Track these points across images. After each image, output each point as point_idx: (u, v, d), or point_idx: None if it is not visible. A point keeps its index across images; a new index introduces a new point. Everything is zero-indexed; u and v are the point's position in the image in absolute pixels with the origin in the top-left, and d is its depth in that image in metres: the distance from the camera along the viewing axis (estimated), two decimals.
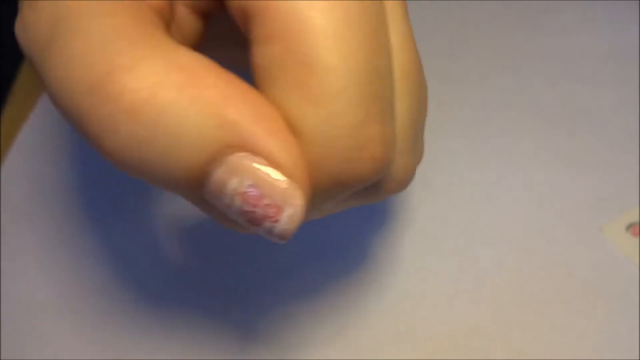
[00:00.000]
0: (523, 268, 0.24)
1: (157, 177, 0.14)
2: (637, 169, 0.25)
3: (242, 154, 0.13)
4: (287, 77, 0.14)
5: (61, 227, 0.26)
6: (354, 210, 0.25)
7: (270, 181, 0.13)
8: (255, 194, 0.13)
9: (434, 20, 0.29)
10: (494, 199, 0.25)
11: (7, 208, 0.26)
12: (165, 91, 0.13)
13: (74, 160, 0.27)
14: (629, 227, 0.24)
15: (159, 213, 0.26)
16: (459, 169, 0.26)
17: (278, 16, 0.13)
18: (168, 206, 0.26)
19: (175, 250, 0.25)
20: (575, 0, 0.29)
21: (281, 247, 0.25)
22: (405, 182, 0.17)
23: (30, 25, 0.16)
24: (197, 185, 0.13)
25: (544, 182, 0.25)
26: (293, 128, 0.14)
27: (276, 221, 0.14)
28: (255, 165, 0.13)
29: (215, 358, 0.23)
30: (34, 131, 0.28)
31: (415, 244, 0.25)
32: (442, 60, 0.28)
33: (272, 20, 0.13)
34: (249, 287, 0.24)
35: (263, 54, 0.14)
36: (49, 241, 0.25)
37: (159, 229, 0.25)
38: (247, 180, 0.13)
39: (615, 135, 0.26)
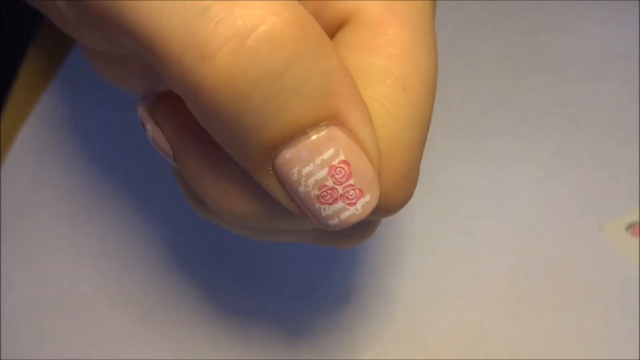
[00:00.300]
0: (523, 268, 0.24)
1: (249, 119, 0.13)
2: (637, 169, 0.25)
3: (345, 129, 0.13)
4: (383, 88, 0.14)
5: (61, 227, 0.26)
6: None
7: (364, 164, 0.13)
8: (345, 171, 0.13)
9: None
10: (494, 199, 0.25)
11: (7, 208, 0.26)
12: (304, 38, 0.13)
13: (74, 160, 0.27)
14: (629, 227, 0.24)
15: (159, 213, 0.26)
16: (459, 169, 0.26)
17: (391, 41, 0.15)
18: (168, 206, 0.26)
19: (175, 250, 0.25)
20: (575, 0, 0.29)
21: (283, 246, 0.25)
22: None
23: None
24: (281, 143, 0.13)
25: (544, 182, 0.25)
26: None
27: (351, 204, 0.14)
28: (354, 144, 0.13)
29: (216, 358, 0.23)
30: (34, 131, 0.28)
31: (415, 244, 0.25)
32: (442, 60, 0.28)
33: (383, 36, 0.15)
34: (250, 288, 0.24)
35: (363, 61, 0.15)
36: (49, 241, 0.25)
37: (159, 229, 0.25)
38: (343, 155, 0.13)
39: (615, 135, 0.26)
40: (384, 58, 0.15)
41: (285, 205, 0.14)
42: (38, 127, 0.28)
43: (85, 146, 0.27)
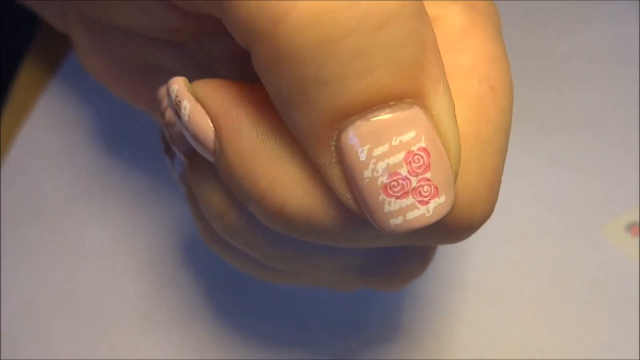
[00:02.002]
0: (523, 268, 0.24)
1: (329, 73, 0.11)
2: (637, 169, 0.25)
3: (428, 114, 0.11)
4: (470, 85, 0.13)
5: (61, 227, 0.26)
6: None
7: (442, 159, 0.12)
8: (424, 161, 0.11)
9: None
10: None
11: (7, 208, 0.26)
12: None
13: (74, 160, 0.27)
14: (629, 227, 0.24)
15: (160, 212, 0.26)
16: None
17: (476, 46, 0.14)
18: (169, 206, 0.26)
19: (177, 250, 0.25)
20: (575, 0, 0.29)
21: None
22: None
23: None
24: (357, 112, 0.11)
25: (544, 182, 0.25)
26: None
27: (423, 203, 0.11)
28: (435, 134, 0.11)
29: (215, 358, 0.23)
30: (34, 131, 0.28)
31: None
32: None
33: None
34: (254, 288, 0.24)
35: (448, 58, 0.13)
36: (49, 241, 0.25)
37: (160, 228, 0.25)
38: (423, 141, 0.11)
39: (615, 135, 0.26)
40: (470, 58, 0.13)
41: (339, 195, 0.12)
42: (38, 127, 0.28)
43: (85, 146, 0.27)
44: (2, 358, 0.23)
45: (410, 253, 0.16)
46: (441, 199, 0.12)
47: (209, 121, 0.13)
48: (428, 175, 0.11)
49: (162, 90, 0.16)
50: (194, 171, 0.15)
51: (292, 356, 0.23)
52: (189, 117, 0.13)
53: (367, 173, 0.11)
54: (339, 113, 0.11)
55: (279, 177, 0.12)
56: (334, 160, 0.12)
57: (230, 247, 0.17)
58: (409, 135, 0.11)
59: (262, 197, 0.13)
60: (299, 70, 0.11)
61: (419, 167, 0.11)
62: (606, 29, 0.28)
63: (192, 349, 0.23)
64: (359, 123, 0.11)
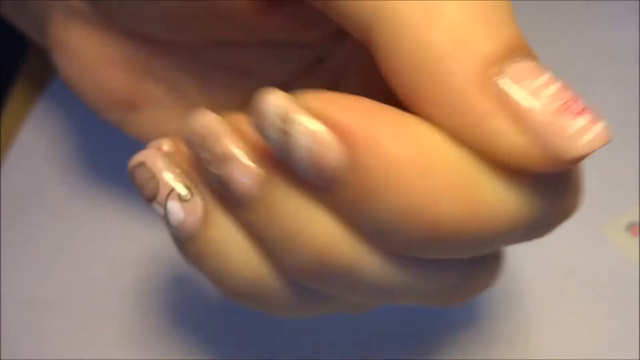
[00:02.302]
0: (523, 268, 0.24)
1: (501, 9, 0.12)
2: (637, 169, 0.25)
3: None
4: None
5: (61, 227, 0.26)
6: None
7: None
8: (572, 93, 0.12)
9: None
10: None
11: (7, 208, 0.26)
12: None
13: (74, 160, 0.27)
14: (629, 227, 0.24)
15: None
16: None
17: None
18: None
19: (175, 251, 0.25)
20: (575, 0, 0.29)
21: None
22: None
23: None
24: (509, 54, 0.12)
25: None
26: None
27: (595, 122, 0.12)
28: None
29: (216, 358, 0.23)
30: (34, 131, 0.28)
31: None
32: None
33: None
34: None
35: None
36: (49, 241, 0.25)
37: (160, 228, 0.25)
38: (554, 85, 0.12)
39: (615, 135, 0.26)
40: None
41: (508, 143, 0.12)
42: (38, 127, 0.28)
43: (85, 146, 0.27)
44: (2, 358, 0.23)
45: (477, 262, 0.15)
46: (603, 123, 0.12)
47: (335, 136, 0.12)
48: (581, 106, 0.12)
49: (205, 121, 0.14)
50: (261, 209, 0.14)
51: (293, 356, 0.23)
52: (309, 134, 0.12)
53: (537, 103, 0.11)
54: (490, 59, 0.11)
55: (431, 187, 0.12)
56: (496, 102, 0.12)
57: (301, 298, 0.15)
58: (540, 79, 0.12)
59: (415, 212, 0.12)
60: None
61: (575, 94, 0.12)
62: (606, 29, 0.28)
63: (192, 349, 0.23)
64: (511, 65, 0.12)
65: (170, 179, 0.15)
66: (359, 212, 0.12)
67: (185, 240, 0.16)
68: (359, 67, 0.18)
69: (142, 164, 0.16)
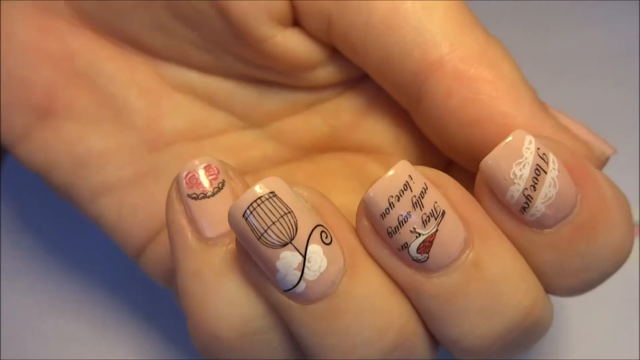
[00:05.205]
0: None
1: None
2: (637, 169, 0.25)
3: None
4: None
5: (61, 227, 0.26)
6: None
7: None
8: None
9: None
10: None
11: (7, 208, 0.26)
12: None
13: None
14: None
15: None
16: None
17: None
18: None
19: None
20: (575, 0, 0.29)
21: None
22: None
23: None
24: None
25: None
26: None
27: None
28: None
29: None
30: None
31: None
32: None
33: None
34: None
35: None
36: (49, 241, 0.25)
37: None
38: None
39: (615, 135, 0.26)
40: None
41: None
42: None
43: None
44: (2, 358, 0.23)
45: None
46: None
47: (572, 188, 0.14)
48: None
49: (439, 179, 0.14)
50: (467, 269, 0.13)
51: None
52: (560, 171, 0.13)
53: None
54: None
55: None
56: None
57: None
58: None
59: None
60: None
61: None
62: (606, 29, 0.28)
63: (193, 349, 0.23)
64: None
65: (314, 216, 0.12)
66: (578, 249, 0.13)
67: (316, 299, 0.12)
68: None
69: (271, 196, 0.12)
